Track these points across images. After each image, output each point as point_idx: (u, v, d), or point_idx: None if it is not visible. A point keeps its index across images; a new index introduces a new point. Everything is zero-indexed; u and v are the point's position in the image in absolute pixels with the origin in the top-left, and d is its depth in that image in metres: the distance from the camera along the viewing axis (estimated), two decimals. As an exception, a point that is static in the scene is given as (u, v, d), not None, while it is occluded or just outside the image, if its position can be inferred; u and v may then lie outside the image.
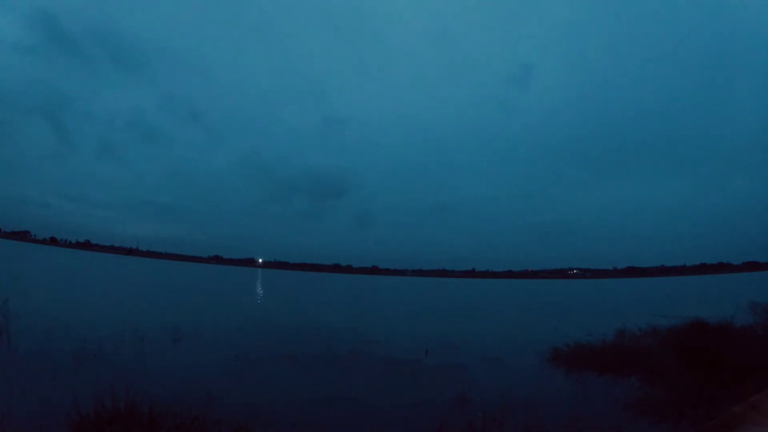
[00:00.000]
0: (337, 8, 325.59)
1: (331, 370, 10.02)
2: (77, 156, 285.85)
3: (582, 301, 41.32)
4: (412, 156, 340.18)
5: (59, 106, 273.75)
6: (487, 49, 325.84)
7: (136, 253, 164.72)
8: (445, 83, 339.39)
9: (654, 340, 11.75)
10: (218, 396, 6.71)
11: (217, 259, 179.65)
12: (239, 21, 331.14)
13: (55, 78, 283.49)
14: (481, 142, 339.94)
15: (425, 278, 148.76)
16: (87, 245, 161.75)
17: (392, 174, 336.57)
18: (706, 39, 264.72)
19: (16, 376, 7.71)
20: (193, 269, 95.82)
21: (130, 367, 8.73)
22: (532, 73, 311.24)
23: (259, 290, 42.75)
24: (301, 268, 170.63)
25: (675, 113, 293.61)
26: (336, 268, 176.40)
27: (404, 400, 7.70)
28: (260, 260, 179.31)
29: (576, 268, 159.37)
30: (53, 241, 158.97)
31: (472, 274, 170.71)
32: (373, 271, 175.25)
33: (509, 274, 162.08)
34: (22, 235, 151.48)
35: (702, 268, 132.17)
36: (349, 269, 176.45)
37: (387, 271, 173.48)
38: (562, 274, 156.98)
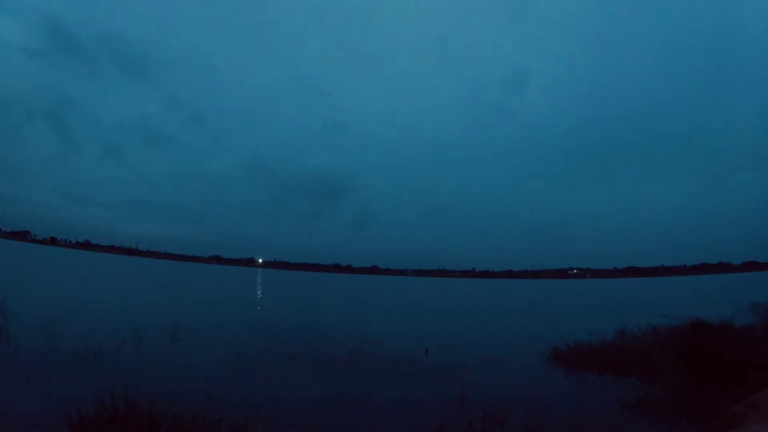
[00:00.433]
0: (339, 13, 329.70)
1: (332, 369, 10.02)
2: (78, 157, 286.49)
3: (582, 301, 41.31)
4: (412, 157, 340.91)
5: (62, 108, 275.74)
6: (483, 53, 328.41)
7: (136, 253, 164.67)
8: (444, 86, 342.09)
9: (654, 340, 11.74)
10: (218, 395, 6.70)
11: (217, 259, 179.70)
12: (241, 25, 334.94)
13: (60, 81, 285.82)
14: (481, 143, 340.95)
15: (425, 278, 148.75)
16: (87, 245, 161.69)
17: (392, 175, 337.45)
18: (705, 38, 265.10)
19: (15, 375, 7.72)
20: (193, 269, 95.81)
21: (130, 367, 8.73)
22: (529, 76, 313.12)
23: (259, 290, 42.74)
24: (301, 268, 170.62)
25: (674, 112, 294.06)
26: (336, 268, 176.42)
27: (404, 400, 7.70)
28: (260, 260, 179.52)
29: (576, 268, 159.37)
30: (53, 241, 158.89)
31: (472, 274, 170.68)
32: (373, 270, 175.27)
33: (509, 274, 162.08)
34: (22, 235, 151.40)
35: (702, 268, 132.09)
36: (349, 269, 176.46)
37: (387, 271, 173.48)
38: (562, 274, 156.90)
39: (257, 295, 35.65)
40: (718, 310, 12.61)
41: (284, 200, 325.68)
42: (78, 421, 5.02)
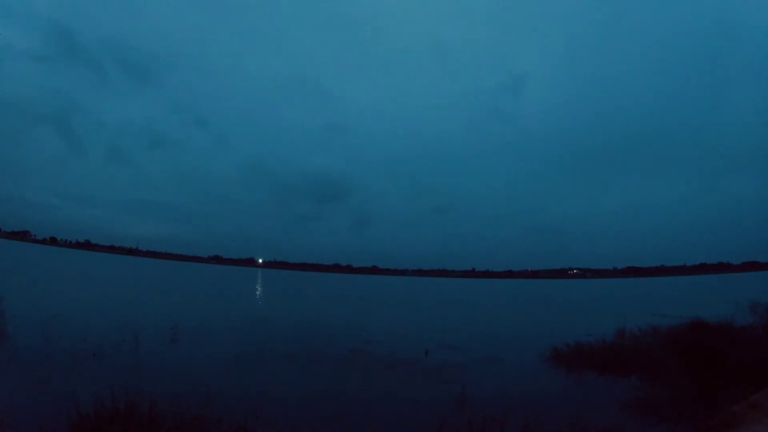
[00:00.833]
0: (341, 18, 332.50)
1: (332, 369, 10.02)
2: (79, 158, 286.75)
3: (582, 301, 41.31)
4: (413, 158, 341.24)
5: (64, 110, 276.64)
6: (480, 57, 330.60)
7: (136, 253, 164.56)
8: (443, 90, 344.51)
9: (654, 340, 11.74)
10: (218, 395, 6.69)
11: (217, 259, 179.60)
12: (244, 30, 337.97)
13: (64, 84, 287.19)
14: (481, 144, 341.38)
15: (425, 278, 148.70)
16: (87, 245, 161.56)
17: (392, 175, 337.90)
18: (703, 38, 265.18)
19: (15, 375, 7.71)
20: (193, 269, 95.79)
21: (130, 367, 8.73)
22: (527, 79, 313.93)
23: (259, 290, 42.74)
24: (301, 268, 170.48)
25: (674, 112, 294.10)
26: (336, 268, 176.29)
27: (404, 400, 7.70)
28: (260, 260, 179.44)
29: (576, 268, 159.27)
30: (53, 241, 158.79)
31: (472, 274, 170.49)
32: (373, 270, 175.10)
33: (509, 274, 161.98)
34: (22, 235, 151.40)
35: (702, 268, 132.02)
36: (349, 269, 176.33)
37: (387, 271, 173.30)
38: (562, 274, 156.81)
39: (257, 295, 35.65)
40: (718, 310, 12.61)
41: (285, 201, 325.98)
42: (78, 421, 5.02)
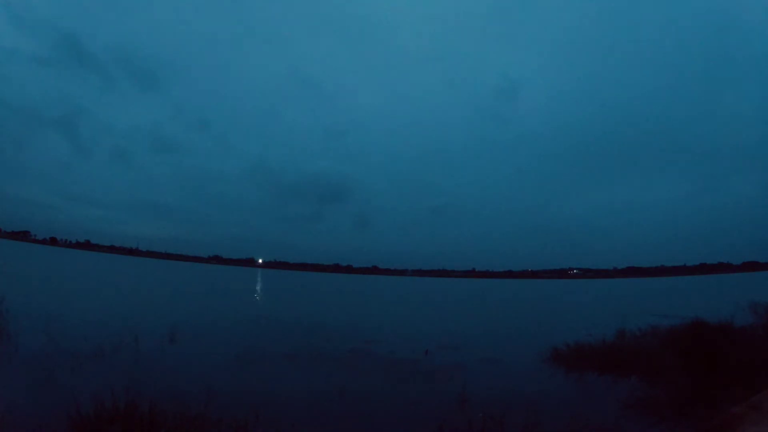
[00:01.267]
0: (342, 21, 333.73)
1: (332, 369, 10.01)
2: (80, 159, 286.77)
3: (582, 301, 41.31)
4: (412, 158, 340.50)
5: (66, 111, 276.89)
6: (478, 63, 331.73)
7: (136, 253, 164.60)
8: (442, 93, 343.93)
9: (654, 340, 11.74)
10: (218, 395, 6.70)
11: (217, 259, 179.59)
12: (245, 32, 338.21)
13: (68, 88, 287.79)
14: (480, 145, 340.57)
15: (425, 278, 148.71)
16: (87, 245, 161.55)
17: (393, 177, 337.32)
18: (703, 38, 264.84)
19: (16, 375, 7.72)
20: (193, 269, 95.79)
21: (130, 367, 8.72)
22: (524, 81, 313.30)
23: (259, 290, 42.74)
24: (301, 268, 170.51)
25: (673, 113, 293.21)
26: (336, 268, 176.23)
27: (404, 400, 7.71)
28: (260, 260, 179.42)
29: (576, 268, 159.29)
30: (53, 241, 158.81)
31: (472, 274, 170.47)
32: (373, 271, 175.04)
33: (509, 274, 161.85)
34: (22, 235, 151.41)
35: (702, 268, 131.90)
36: (349, 269, 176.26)
37: (387, 271, 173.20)
38: (562, 274, 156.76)
39: (257, 295, 35.65)
40: (718, 310, 12.61)
41: (285, 202, 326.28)
42: (78, 421, 5.02)
